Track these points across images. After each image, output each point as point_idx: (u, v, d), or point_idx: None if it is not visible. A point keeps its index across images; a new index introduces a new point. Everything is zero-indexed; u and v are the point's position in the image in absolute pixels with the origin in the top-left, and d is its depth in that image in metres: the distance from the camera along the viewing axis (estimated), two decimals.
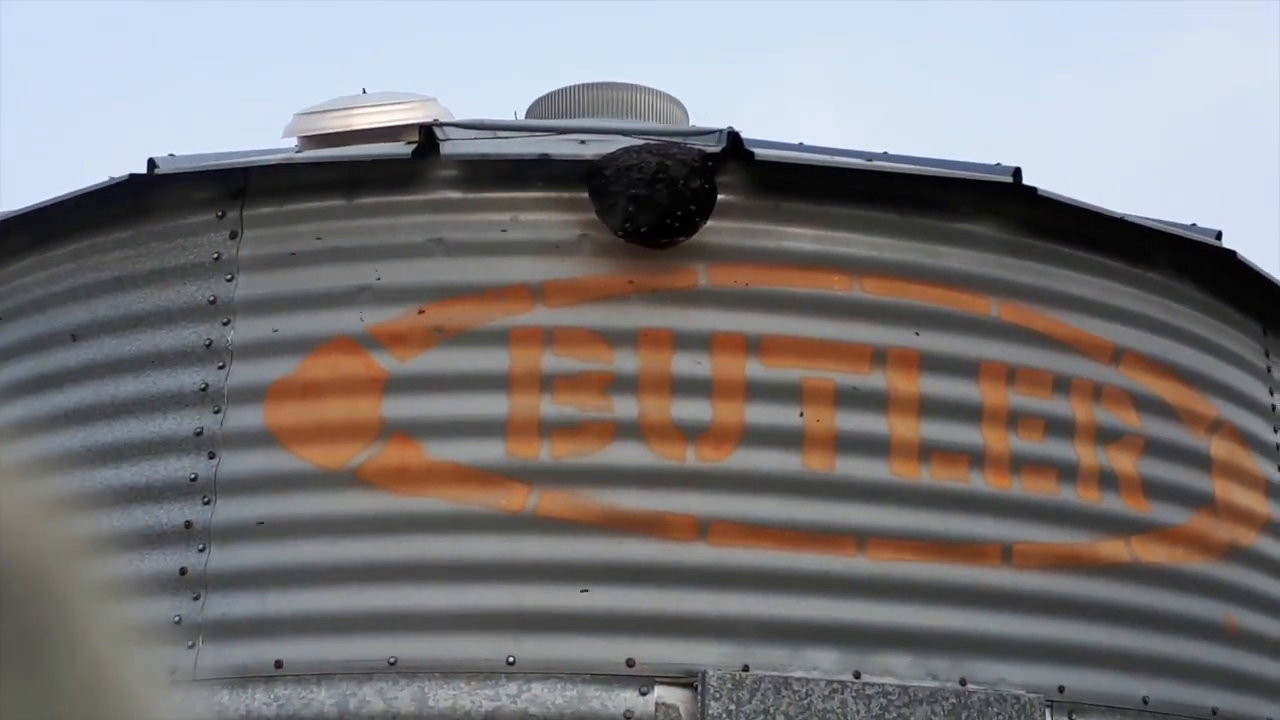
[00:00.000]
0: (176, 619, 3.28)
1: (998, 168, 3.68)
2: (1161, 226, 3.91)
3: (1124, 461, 3.69)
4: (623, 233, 3.40)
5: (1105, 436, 3.67)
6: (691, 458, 3.33)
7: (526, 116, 4.63)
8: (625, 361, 3.38)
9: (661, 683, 3.17)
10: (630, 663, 3.18)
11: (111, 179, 3.61)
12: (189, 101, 15.51)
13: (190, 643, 3.26)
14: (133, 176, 3.56)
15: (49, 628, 0.79)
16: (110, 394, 3.55)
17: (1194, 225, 4.04)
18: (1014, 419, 3.55)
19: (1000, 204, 3.66)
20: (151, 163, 3.55)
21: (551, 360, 3.37)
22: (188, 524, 3.34)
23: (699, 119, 4.67)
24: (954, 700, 3.26)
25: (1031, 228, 3.70)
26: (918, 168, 3.68)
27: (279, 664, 3.19)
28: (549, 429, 3.32)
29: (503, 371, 3.36)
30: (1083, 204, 3.76)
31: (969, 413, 3.51)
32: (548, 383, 3.35)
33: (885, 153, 3.78)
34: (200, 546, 3.33)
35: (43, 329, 3.73)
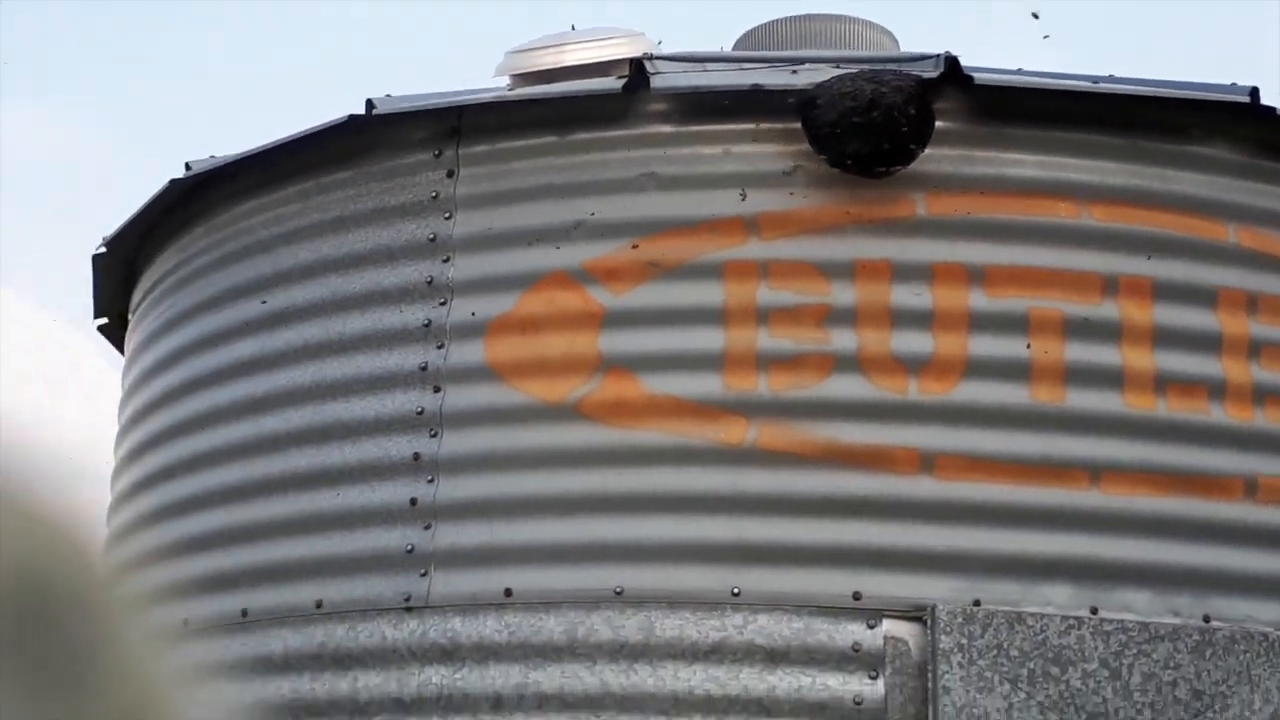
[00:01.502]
0: (409, 548, 3.35)
1: (1233, 87, 3.52)
2: None
3: None
4: (837, 163, 3.34)
5: None
6: (914, 390, 3.27)
7: (734, 50, 4.57)
8: (842, 293, 3.33)
9: (890, 616, 3.13)
10: (857, 595, 3.14)
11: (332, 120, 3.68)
12: (406, 40, 15.75)
13: (423, 571, 3.32)
14: (352, 117, 3.62)
15: (91, 645, 0.79)
16: (338, 331, 3.62)
17: None
18: (1255, 348, 3.41)
19: (1235, 125, 3.50)
20: (370, 103, 3.60)
21: (767, 293, 3.33)
22: (416, 456, 3.40)
23: (910, 49, 4.55)
24: (1198, 638, 3.15)
25: (1270, 149, 3.53)
26: (1147, 89, 3.53)
27: (508, 592, 3.23)
28: (766, 362, 3.29)
29: (718, 305, 3.34)
30: None
31: (1207, 342, 3.37)
32: (764, 315, 3.31)
33: (1111, 75, 3.64)
34: (429, 478, 3.38)
35: (269, 269, 3.82)
